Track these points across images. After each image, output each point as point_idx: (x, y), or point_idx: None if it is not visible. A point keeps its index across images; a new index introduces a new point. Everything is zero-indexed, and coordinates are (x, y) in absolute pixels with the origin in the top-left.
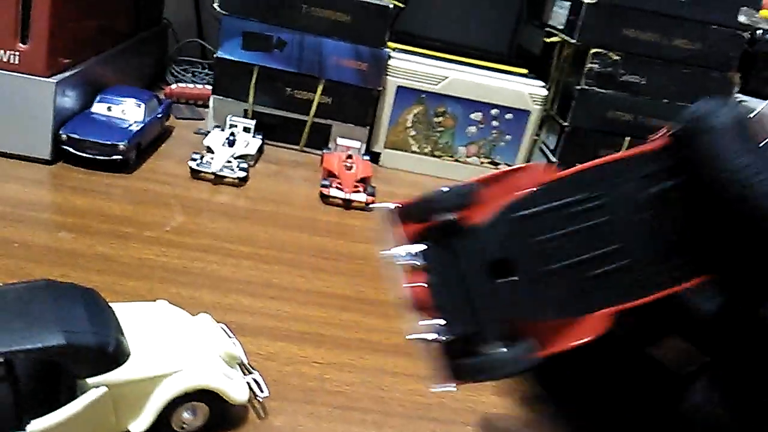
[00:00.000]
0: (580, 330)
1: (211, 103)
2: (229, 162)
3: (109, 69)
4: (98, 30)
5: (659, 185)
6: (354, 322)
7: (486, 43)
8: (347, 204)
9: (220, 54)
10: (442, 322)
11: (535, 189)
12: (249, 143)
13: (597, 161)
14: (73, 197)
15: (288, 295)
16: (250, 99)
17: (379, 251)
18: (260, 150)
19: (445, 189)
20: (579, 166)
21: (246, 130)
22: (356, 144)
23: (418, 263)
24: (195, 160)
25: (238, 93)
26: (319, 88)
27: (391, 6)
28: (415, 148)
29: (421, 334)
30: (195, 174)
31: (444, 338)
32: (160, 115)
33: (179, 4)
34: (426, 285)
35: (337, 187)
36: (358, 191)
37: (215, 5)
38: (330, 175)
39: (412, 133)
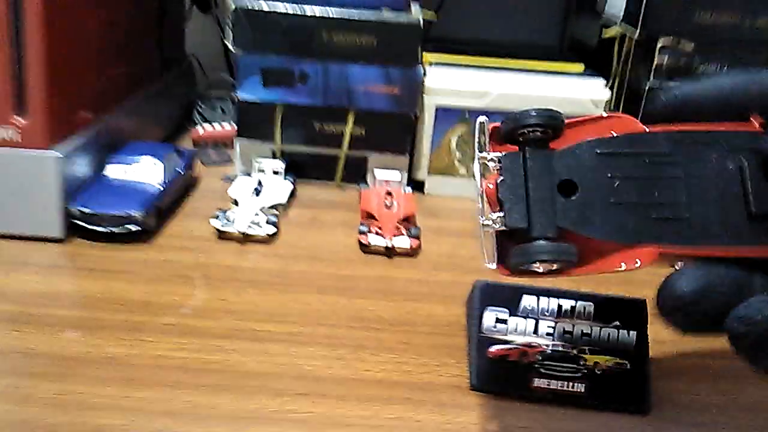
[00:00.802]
0: (624, 257)
1: (236, 148)
2: (257, 215)
3: (127, 122)
4: (112, 82)
5: (741, 161)
6: (400, 420)
7: (534, 37)
8: (389, 252)
9: (239, 95)
10: (501, 214)
11: (619, 134)
12: (279, 189)
13: (686, 126)
14: (86, 282)
15: (322, 389)
16: (277, 139)
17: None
18: (292, 193)
19: (536, 108)
20: (669, 126)
21: (276, 173)
22: (396, 176)
23: (496, 164)
24: (218, 218)
25: (264, 134)
26: (350, 119)
27: (421, 20)
28: (462, 171)
29: (483, 220)
30: (221, 234)
31: (498, 226)
32: (182, 170)
33: (204, 36)
34: (497, 184)
35: (377, 233)
36: (401, 234)
37: (229, 44)
38: (369, 216)
39: (458, 155)
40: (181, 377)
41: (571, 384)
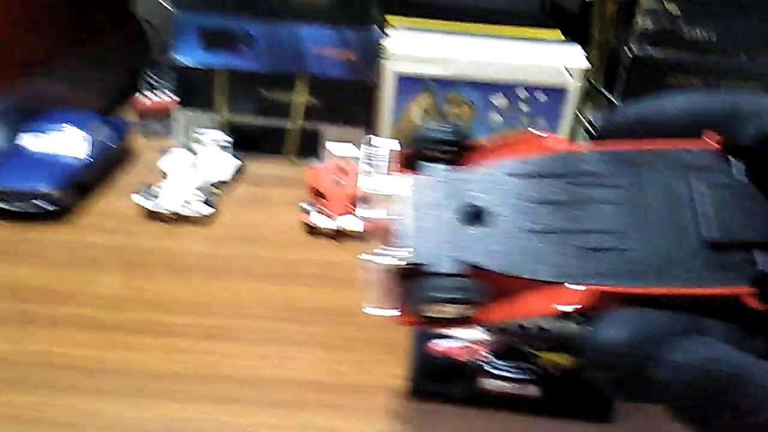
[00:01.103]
0: (555, 298)
1: (175, 119)
2: (192, 193)
3: (56, 87)
4: (40, 40)
5: (691, 182)
6: (318, 431)
7: (514, 2)
8: (337, 235)
9: (177, 58)
10: (401, 248)
11: (543, 155)
12: (221, 164)
13: (628, 145)
14: None
15: (235, 393)
16: (221, 108)
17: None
18: (239, 169)
19: (445, 124)
20: (606, 145)
21: (220, 147)
22: (350, 150)
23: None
24: (142, 194)
25: (206, 103)
26: (301, 87)
27: None
28: None
29: (376, 257)
30: (151, 214)
31: (397, 263)
32: (112, 143)
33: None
34: (395, 214)
35: (321, 212)
36: (351, 214)
37: (164, 1)
38: (318, 194)
39: None
40: (76, 379)
41: (524, 386)
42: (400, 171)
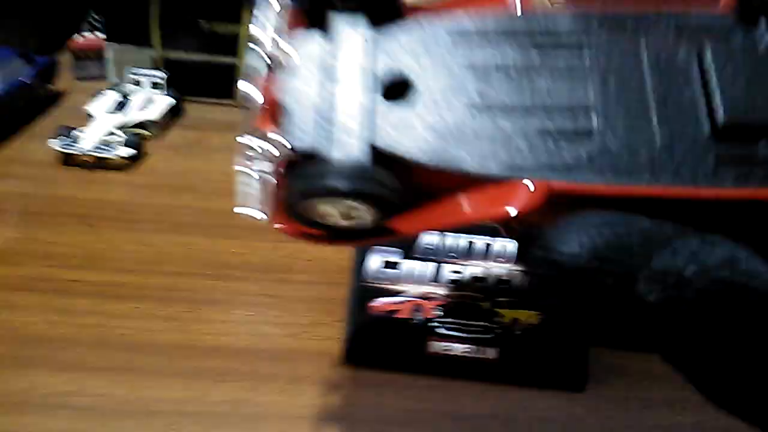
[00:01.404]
0: (492, 199)
1: (107, 56)
2: (112, 134)
3: None
4: None
5: (700, 47)
6: (232, 405)
7: None
8: None
9: None
10: (290, 134)
11: (505, 12)
12: (151, 105)
13: (613, 6)
14: None
15: (132, 361)
16: (155, 43)
17: None
18: (176, 111)
19: None
20: (589, 4)
21: (156, 86)
22: None
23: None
24: (61, 137)
25: (139, 37)
26: (246, 18)
27: None
28: None
29: (257, 146)
30: (67, 159)
31: (278, 151)
32: (28, 80)
33: None
34: (286, 87)
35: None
36: None
37: None
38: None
39: None
40: None
41: (480, 348)
42: (299, 27)
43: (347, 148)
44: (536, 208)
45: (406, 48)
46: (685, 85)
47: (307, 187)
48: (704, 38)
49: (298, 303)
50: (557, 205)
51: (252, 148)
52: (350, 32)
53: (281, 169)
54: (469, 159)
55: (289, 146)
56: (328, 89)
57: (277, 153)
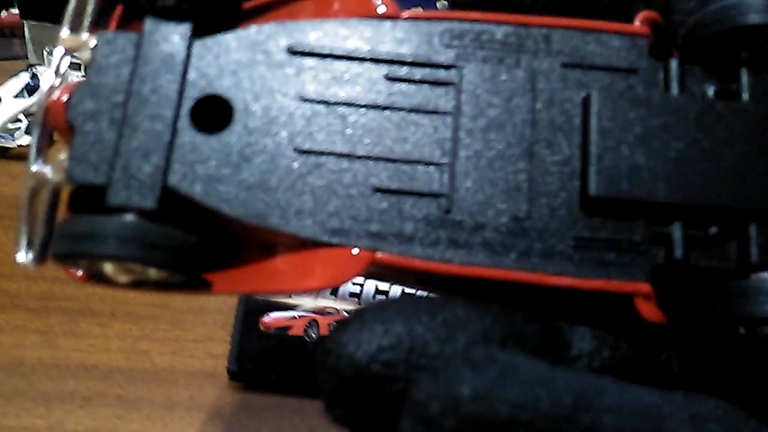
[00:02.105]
0: (305, 267)
1: (26, 34)
2: (18, 122)
3: None
4: None
5: (603, 95)
6: None
7: None
8: None
9: None
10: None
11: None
12: None
13: (495, 15)
14: None
15: None
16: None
17: None
18: None
19: None
20: (463, 12)
21: (77, 67)
22: None
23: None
24: None
25: (56, 13)
26: None
27: None
28: None
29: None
30: None
31: (57, 179)
32: None
33: None
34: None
35: None
36: None
37: None
38: None
39: None
40: None
41: None
42: (110, 29)
43: (133, 188)
44: (355, 276)
45: (232, 66)
46: (563, 140)
47: (69, 250)
48: (596, 78)
49: (190, 314)
50: (385, 271)
51: (36, 174)
52: (165, 41)
53: (77, 201)
54: (281, 215)
55: (73, 177)
56: (126, 110)
57: (59, 180)
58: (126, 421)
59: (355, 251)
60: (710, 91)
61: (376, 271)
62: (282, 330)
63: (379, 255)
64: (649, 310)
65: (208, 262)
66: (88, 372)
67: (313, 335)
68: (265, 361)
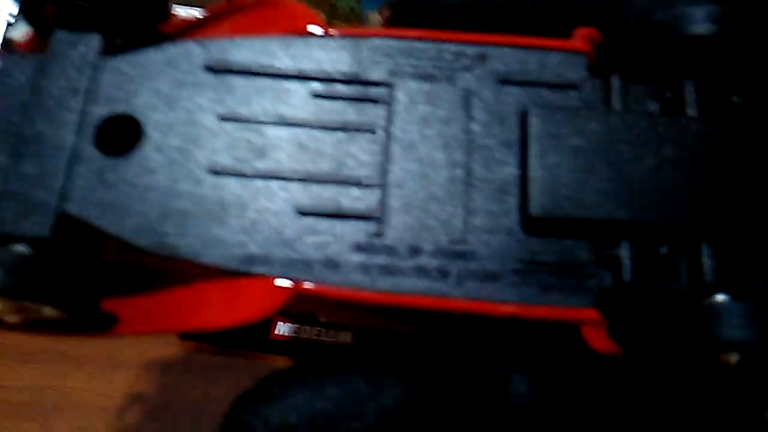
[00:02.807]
0: (224, 298)
1: None
2: None
3: None
4: None
5: (541, 113)
6: None
7: None
8: None
9: None
10: None
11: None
12: None
13: (431, 35)
14: None
15: None
16: None
17: None
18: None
19: None
20: (396, 29)
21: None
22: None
23: None
24: None
25: None
26: None
27: None
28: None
29: None
30: None
31: None
32: None
33: None
34: None
35: None
36: None
37: None
38: None
39: None
40: None
41: (332, 332)
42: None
43: (25, 215)
44: (279, 310)
45: (144, 85)
46: (501, 159)
47: None
48: (534, 94)
49: None
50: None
51: None
52: (71, 58)
53: None
54: (195, 244)
55: None
56: (25, 132)
57: None
58: (68, 380)
59: (278, 281)
60: (654, 107)
61: (302, 306)
62: None
63: (304, 285)
64: (598, 340)
65: (116, 298)
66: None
67: None
68: None
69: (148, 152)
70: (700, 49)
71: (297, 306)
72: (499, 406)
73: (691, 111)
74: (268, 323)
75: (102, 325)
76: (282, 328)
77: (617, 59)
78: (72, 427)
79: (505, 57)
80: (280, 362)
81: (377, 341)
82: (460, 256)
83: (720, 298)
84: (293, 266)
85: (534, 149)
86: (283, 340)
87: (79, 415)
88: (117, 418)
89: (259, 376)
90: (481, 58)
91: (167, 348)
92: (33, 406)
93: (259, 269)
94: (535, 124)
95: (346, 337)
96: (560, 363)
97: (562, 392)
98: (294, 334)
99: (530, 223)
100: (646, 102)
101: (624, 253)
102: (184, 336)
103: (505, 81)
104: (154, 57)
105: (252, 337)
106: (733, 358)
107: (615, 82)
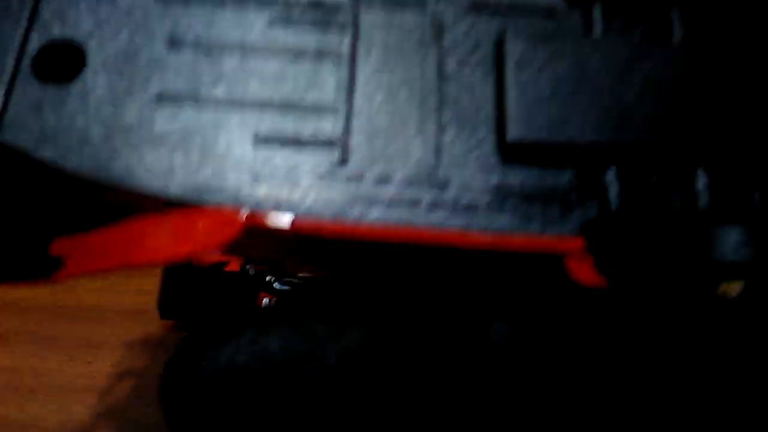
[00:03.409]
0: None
1: None
2: None
3: None
4: None
5: (516, 38)
6: None
7: None
8: None
9: None
10: None
11: None
12: None
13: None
14: None
15: None
16: None
17: None
18: None
19: None
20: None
21: None
22: None
23: None
24: None
25: None
26: None
27: None
28: None
29: None
30: None
31: None
32: None
33: None
34: None
35: None
36: None
37: None
38: None
39: None
40: None
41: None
42: None
43: None
44: (232, 242)
45: (88, 9)
46: (475, 84)
47: None
48: (509, 20)
49: None
50: (264, 237)
51: None
52: None
53: None
54: (141, 172)
55: None
56: None
57: None
58: (44, 360)
59: (232, 211)
60: (637, 37)
61: (251, 241)
62: (218, 265)
63: (261, 216)
64: (583, 272)
65: (58, 240)
66: (7, 308)
67: (251, 271)
68: (198, 298)
69: (90, 79)
70: None
71: (255, 244)
72: (476, 355)
73: (676, 39)
74: (254, 299)
75: (45, 268)
76: (268, 304)
77: None
78: (48, 410)
79: None
80: None
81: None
82: (433, 185)
83: (718, 220)
84: (249, 196)
85: (511, 72)
86: None
87: (57, 398)
88: (98, 400)
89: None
90: None
91: (147, 327)
92: (7, 389)
93: (211, 199)
94: (512, 49)
95: None
96: (539, 303)
97: (544, 336)
98: None
99: (507, 150)
100: (628, 30)
101: (610, 179)
102: (164, 315)
103: (477, 7)
104: None
105: (237, 316)
106: (735, 287)
107: (596, 10)
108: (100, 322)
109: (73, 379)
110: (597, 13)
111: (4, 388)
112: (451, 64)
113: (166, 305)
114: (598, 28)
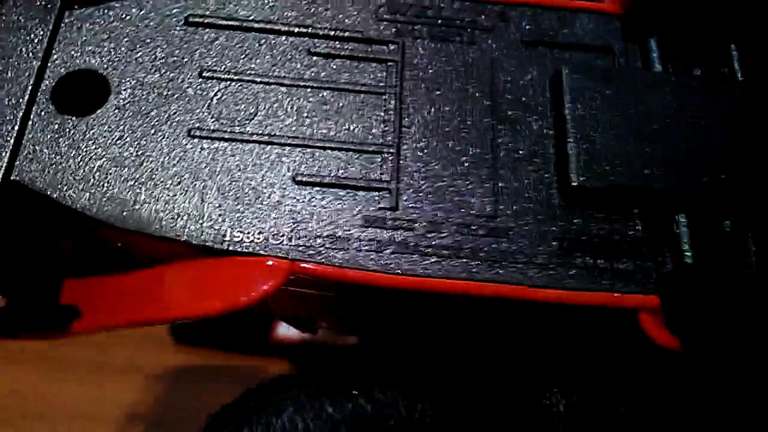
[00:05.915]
0: (202, 283)
1: None
2: None
3: None
4: None
5: (575, 78)
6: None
7: None
8: None
9: None
10: None
11: None
12: None
13: None
14: None
15: None
16: None
17: None
18: None
19: None
20: None
21: None
22: None
23: None
24: None
25: None
26: None
27: None
28: None
29: None
30: None
31: None
32: None
33: None
34: None
35: None
36: None
37: None
38: None
39: None
40: None
41: (339, 336)
42: None
43: None
44: (272, 294)
45: (112, 39)
46: (531, 124)
47: None
48: (564, 56)
49: None
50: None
51: None
52: (27, 10)
53: None
54: (164, 217)
55: None
56: None
57: None
58: (52, 384)
59: (272, 261)
60: (696, 70)
61: (285, 294)
62: None
63: (302, 265)
64: (658, 331)
65: (75, 287)
66: None
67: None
68: (213, 322)
69: (114, 112)
70: (748, 9)
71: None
72: (530, 424)
73: (737, 72)
74: (268, 324)
75: (59, 319)
76: (281, 332)
77: (652, 23)
78: None
79: (529, 17)
80: (279, 368)
81: (387, 344)
82: (490, 233)
83: None
84: (287, 243)
85: (570, 113)
86: (283, 343)
87: (66, 424)
88: (106, 427)
89: (256, 382)
90: (503, 19)
91: (161, 353)
92: (12, 411)
93: (245, 247)
94: (570, 85)
95: (354, 339)
96: (606, 369)
97: (605, 406)
98: (296, 337)
99: (571, 195)
100: (687, 65)
101: (682, 228)
102: (179, 339)
103: (531, 43)
104: (125, 9)
105: (251, 339)
106: None
107: (653, 44)
108: (111, 345)
109: (81, 404)
110: (653, 47)
111: (11, 412)
112: (504, 102)
113: (181, 329)
114: (656, 64)
